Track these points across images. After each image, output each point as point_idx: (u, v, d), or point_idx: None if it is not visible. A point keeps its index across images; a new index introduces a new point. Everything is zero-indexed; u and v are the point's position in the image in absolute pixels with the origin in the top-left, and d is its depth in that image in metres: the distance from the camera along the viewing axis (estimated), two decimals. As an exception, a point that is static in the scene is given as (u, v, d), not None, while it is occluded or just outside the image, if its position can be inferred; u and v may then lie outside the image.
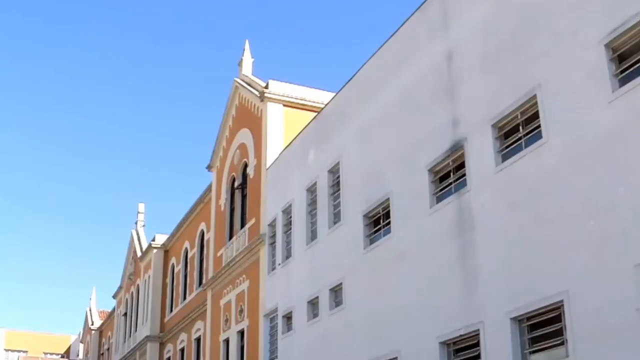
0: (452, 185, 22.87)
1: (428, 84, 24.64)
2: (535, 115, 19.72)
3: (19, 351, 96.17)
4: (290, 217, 34.18)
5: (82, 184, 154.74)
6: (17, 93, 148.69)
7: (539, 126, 19.50)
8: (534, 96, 19.63)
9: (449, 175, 23.19)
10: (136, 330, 63.73)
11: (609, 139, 17.25)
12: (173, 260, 58.03)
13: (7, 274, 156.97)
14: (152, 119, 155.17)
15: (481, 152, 21.37)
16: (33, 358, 67.88)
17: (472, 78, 22.42)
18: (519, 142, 20.30)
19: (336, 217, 29.92)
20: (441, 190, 23.45)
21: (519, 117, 20.36)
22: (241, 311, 39.01)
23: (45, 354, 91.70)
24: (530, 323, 19.17)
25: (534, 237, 19.13)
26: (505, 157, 20.65)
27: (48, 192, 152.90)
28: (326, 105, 32.53)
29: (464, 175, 22.17)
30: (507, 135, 20.90)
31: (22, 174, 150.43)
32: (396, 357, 24.31)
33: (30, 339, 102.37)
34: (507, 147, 20.75)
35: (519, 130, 20.40)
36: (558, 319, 18.23)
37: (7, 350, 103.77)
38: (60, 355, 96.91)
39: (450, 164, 23.04)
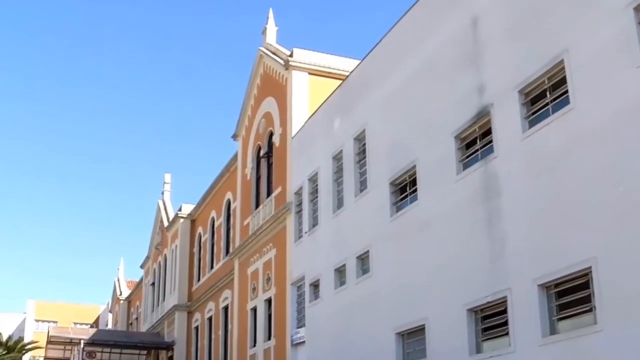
0: (479, 152, 22.74)
1: (453, 51, 24.46)
2: (563, 81, 19.54)
3: (49, 321, 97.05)
4: (317, 185, 34.16)
5: (108, 155, 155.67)
6: (44, 69, 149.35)
7: (566, 92, 19.32)
8: (561, 61, 19.44)
9: (475, 142, 23.06)
10: (164, 300, 64.11)
11: (638, 104, 17.06)
12: (200, 229, 58.21)
13: (37, 246, 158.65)
14: (177, 89, 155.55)
15: (508, 119, 21.21)
16: (63, 328, 68.25)
17: (497, 44, 22.23)
18: (546, 108, 20.13)
19: (362, 185, 29.87)
20: (467, 157, 23.32)
21: (546, 82, 20.18)
22: (268, 279, 39.12)
23: (75, 324, 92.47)
24: (557, 290, 19.09)
25: (561, 203, 19.00)
26: (532, 124, 20.48)
27: (76, 164, 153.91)
28: (351, 72, 32.38)
29: (491, 141, 22.03)
30: (533, 101, 20.72)
31: (50, 148, 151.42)
32: (423, 325, 24.33)
33: (60, 310, 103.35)
34: (533, 114, 20.57)
35: (545, 96, 20.23)
36: (586, 285, 18.15)
37: (37, 320, 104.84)
38: (89, 325, 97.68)
39: (477, 130, 22.90)
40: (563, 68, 19.44)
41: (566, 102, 19.26)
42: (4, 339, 35.50)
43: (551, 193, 19.38)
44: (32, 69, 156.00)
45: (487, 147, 22.32)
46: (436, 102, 25.02)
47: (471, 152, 23.17)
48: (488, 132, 22.29)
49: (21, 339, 43.66)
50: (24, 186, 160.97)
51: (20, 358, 33.58)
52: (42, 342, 52.88)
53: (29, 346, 37.06)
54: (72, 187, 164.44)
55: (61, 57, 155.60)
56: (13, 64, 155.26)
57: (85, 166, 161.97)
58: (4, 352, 30.66)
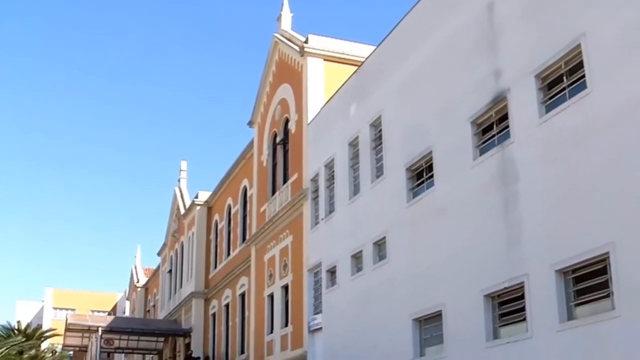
0: (495, 138, 22.65)
1: (469, 36, 24.35)
2: (580, 65, 19.41)
3: (66, 309, 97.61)
4: (333, 171, 34.13)
5: (125, 144, 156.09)
6: (59, 57, 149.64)
7: (583, 76, 19.20)
8: (578, 45, 19.31)
9: (492, 128, 22.96)
10: (181, 287, 64.26)
11: (656, 87, 16.95)
12: (216, 216, 58.28)
13: (55, 235, 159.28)
14: (192, 77, 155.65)
15: (524, 104, 21.11)
16: (81, 316, 68.53)
17: (514, 28, 22.10)
18: (563, 92, 20.02)
19: (378, 171, 29.82)
20: (484, 142, 23.23)
21: (563, 67, 20.07)
22: (285, 266, 39.15)
23: (93, 311, 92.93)
24: (575, 275, 19.02)
25: (579, 188, 18.90)
26: (549, 108, 20.38)
27: (93, 153, 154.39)
28: (367, 58, 32.29)
29: (507, 127, 21.93)
30: (550, 86, 20.61)
31: (67, 136, 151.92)
32: (440, 311, 24.31)
33: (78, 298, 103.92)
34: (550, 98, 20.47)
35: (562, 80, 20.11)
36: (603, 271, 18.08)
37: (55, 308, 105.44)
38: (107, 313, 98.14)
39: (493, 115, 22.81)
40: (580, 52, 19.32)
41: (583, 86, 19.15)
42: (23, 326, 35.76)
43: (568, 178, 19.28)
44: (50, 57, 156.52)
45: (503, 132, 22.23)
46: (452, 88, 24.94)
47: (488, 137, 23.08)
48: (504, 117, 22.20)
49: (39, 326, 43.91)
50: (42, 175, 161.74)
51: (39, 345, 33.80)
52: (60, 329, 53.16)
53: (48, 334, 37.30)
54: (89, 176, 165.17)
55: (77, 44, 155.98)
56: (35, 53, 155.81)
57: (102, 155, 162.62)
58: (23, 340, 30.95)
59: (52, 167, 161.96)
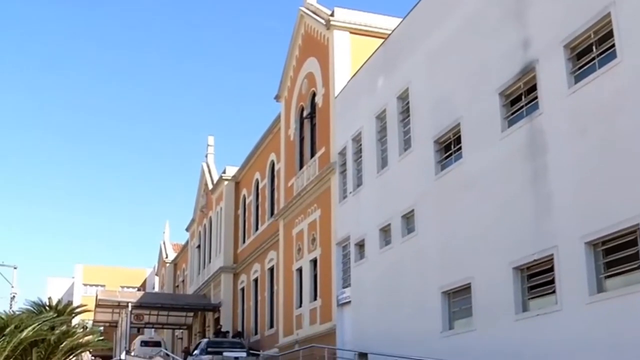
0: (524, 109, 22.45)
1: (496, 6, 24.14)
2: (609, 35, 19.17)
3: (96, 285, 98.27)
4: (360, 144, 34.02)
5: (152, 119, 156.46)
6: (87, 33, 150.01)
7: (613, 45, 18.97)
8: (608, 14, 19.06)
9: (520, 99, 22.76)
10: (210, 262, 64.51)
11: (687, 56, 16.72)
12: (244, 191, 58.40)
13: (85, 212, 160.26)
14: (218, 52, 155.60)
15: (553, 74, 20.89)
16: (110, 292, 69.10)
17: (542, -2, 21.89)
18: (592, 62, 19.79)
19: (406, 144, 29.69)
20: (512, 114, 23.04)
21: (592, 36, 19.82)
22: (313, 240, 39.16)
23: (122, 287, 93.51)
24: (605, 247, 18.86)
25: (609, 159, 18.70)
26: (578, 79, 20.16)
27: (121, 129, 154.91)
28: (393, 31, 32.09)
29: (536, 98, 21.73)
30: (579, 56, 20.38)
31: (95, 112, 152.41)
32: (469, 284, 24.22)
33: (108, 274, 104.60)
34: (579, 68, 20.25)
35: (592, 50, 19.88)
36: (634, 243, 17.92)
37: (85, 284, 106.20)
38: (136, 289, 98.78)
39: (522, 86, 22.60)
40: (610, 21, 19.07)
41: (613, 56, 18.92)
42: (54, 303, 36.08)
43: (598, 149, 19.08)
44: (77, 32, 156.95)
45: (532, 103, 22.03)
46: (480, 59, 24.73)
47: (516, 109, 22.88)
48: (533, 88, 22.00)
49: (70, 302, 44.18)
50: (71, 153, 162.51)
51: (70, 321, 34.11)
52: (91, 305, 53.56)
53: (78, 310, 37.59)
54: (118, 152, 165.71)
55: (105, 20, 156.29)
56: (61, 30, 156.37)
57: (130, 130, 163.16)
58: (54, 316, 31.22)
59: (81, 143, 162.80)
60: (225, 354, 37.82)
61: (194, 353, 43.61)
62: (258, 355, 43.34)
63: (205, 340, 46.26)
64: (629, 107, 18.18)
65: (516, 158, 22.25)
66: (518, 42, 22.62)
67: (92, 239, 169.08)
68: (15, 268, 64.59)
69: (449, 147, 26.61)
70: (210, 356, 37.41)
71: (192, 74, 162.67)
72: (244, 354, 38.50)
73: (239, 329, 54.63)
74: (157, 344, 58.91)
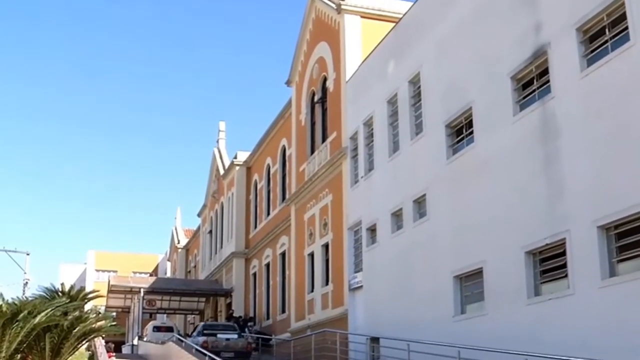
0: (536, 93, 22.36)
1: (509, -11, 24.02)
2: (622, 17, 19.05)
3: (109, 271, 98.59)
4: (372, 129, 33.98)
5: (163, 105, 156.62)
6: (101, 22, 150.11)
7: (626, 28, 18.85)
8: (621, -3, 18.98)
9: (532, 83, 22.67)
10: (222, 247, 64.63)
11: (700, 38, 16.60)
12: (255, 176, 58.44)
13: (97, 198, 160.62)
14: (230, 37, 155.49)
15: (565, 57, 20.79)
16: (123, 277, 69.30)
17: (554, -19, 21.74)
18: (605, 45, 19.68)
19: (418, 128, 29.64)
20: (524, 97, 22.95)
21: (605, 19, 19.70)
22: (325, 225, 39.17)
23: (134, 273, 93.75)
24: (617, 231, 18.79)
25: (622, 143, 18.60)
26: (590, 62, 20.05)
27: (132, 116, 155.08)
28: (404, 15, 31.97)
29: (548, 81, 21.63)
30: (592, 39, 20.26)
31: (106, 99, 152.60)
32: (481, 268, 24.19)
33: (120, 260, 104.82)
34: (592, 52, 20.13)
35: (604, 33, 19.76)
36: (647, 226, 17.87)
37: (98, 270, 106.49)
38: (148, 274, 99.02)
39: (534, 70, 22.50)
40: (622, 4, 18.95)
41: (626, 39, 18.80)
42: (67, 288, 36.09)
43: (611, 133, 18.99)
44: (90, 18, 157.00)
45: (544, 87, 21.93)
46: (492, 43, 24.63)
47: (528, 92, 22.79)
48: (545, 72, 21.90)
49: (83, 288, 44.17)
50: (83, 140, 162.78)
51: (83, 307, 34.18)
52: (103, 291, 53.68)
53: (91, 295, 37.61)
54: (128, 139, 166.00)
55: (118, 6, 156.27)
56: (77, 18, 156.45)
57: (142, 117, 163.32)
58: (67, 301, 31.26)
59: (94, 131, 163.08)
60: (218, 335, 39.90)
61: (192, 335, 45.32)
62: (262, 337, 43.96)
63: (202, 323, 48.53)
64: (641, 90, 18.09)
65: (528, 142, 22.16)
66: (530, 26, 22.51)
67: (105, 225, 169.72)
68: (27, 254, 64.82)
69: (461, 131, 26.54)
70: (205, 337, 39.42)
71: (203, 60, 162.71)
72: (235, 336, 40.48)
73: (251, 314, 54.76)
74: (169, 329, 59.12)
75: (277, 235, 50.31)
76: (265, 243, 53.18)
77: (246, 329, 48.62)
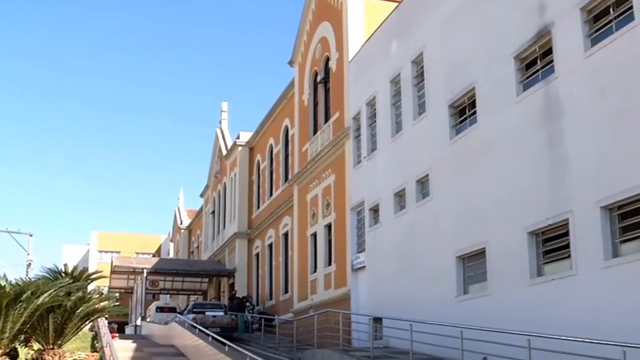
0: (539, 72, 22.26)
1: (513, -31, 23.89)
2: (627, -4, 18.98)
3: (112, 252, 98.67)
4: (375, 109, 33.90)
5: (166, 85, 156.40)
6: (108, 3, 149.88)
7: (630, 7, 18.74)
8: (625, -24, 18.88)
9: (535, 62, 22.57)
10: (224, 228, 64.68)
11: None
12: (258, 157, 58.42)
13: (99, 179, 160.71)
14: (232, 17, 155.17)
15: (569, 37, 20.69)
16: (126, 258, 69.44)
17: (558, -40, 21.61)
18: (609, 25, 19.58)
19: (421, 108, 29.57)
20: (528, 77, 22.86)
21: (609, -2, 19.64)
22: (328, 205, 39.16)
23: (137, 253, 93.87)
24: (621, 212, 18.76)
25: (625, 123, 18.53)
26: (594, 42, 19.96)
27: (134, 95, 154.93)
28: (408, -6, 31.86)
29: (552, 61, 21.54)
30: (596, 18, 20.16)
31: (108, 77, 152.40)
32: (484, 248, 24.16)
33: (123, 240, 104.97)
34: (596, 31, 20.03)
35: (609, 12, 19.66)
36: (650, 206, 17.82)
37: (100, 251, 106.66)
38: (151, 255, 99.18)
39: (537, 50, 22.41)
40: (628, -18, 18.87)
41: (630, 18, 18.70)
42: (70, 269, 36.28)
43: (614, 113, 18.91)
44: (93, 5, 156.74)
45: (547, 67, 21.84)
46: (495, 23, 24.53)
47: (531, 72, 22.70)
48: (549, 51, 21.80)
49: (86, 269, 44.39)
50: (86, 120, 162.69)
51: (86, 287, 34.27)
52: (106, 272, 53.81)
53: (94, 276, 37.79)
54: (132, 118, 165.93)
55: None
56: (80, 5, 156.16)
57: (144, 97, 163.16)
58: (70, 282, 31.34)
59: (96, 110, 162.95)
60: (206, 313, 43.66)
61: (184, 313, 48.10)
62: (264, 317, 44.39)
63: (192, 302, 54.20)
64: (646, 70, 18.01)
65: (531, 122, 22.09)
66: (534, 5, 22.39)
67: (107, 206, 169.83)
68: (30, 235, 64.99)
69: (464, 111, 26.47)
70: (194, 315, 42.90)
71: (205, 39, 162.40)
72: (221, 313, 44.38)
73: (250, 295, 54.94)
74: (172, 309, 59.25)
75: (279, 216, 50.34)
76: (268, 223, 53.22)
77: (245, 309, 48.97)
